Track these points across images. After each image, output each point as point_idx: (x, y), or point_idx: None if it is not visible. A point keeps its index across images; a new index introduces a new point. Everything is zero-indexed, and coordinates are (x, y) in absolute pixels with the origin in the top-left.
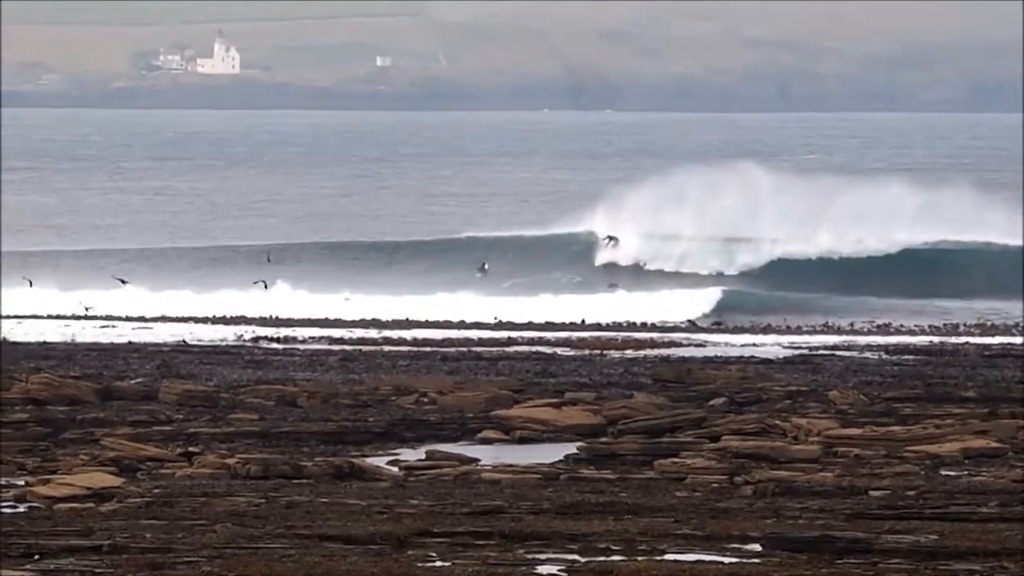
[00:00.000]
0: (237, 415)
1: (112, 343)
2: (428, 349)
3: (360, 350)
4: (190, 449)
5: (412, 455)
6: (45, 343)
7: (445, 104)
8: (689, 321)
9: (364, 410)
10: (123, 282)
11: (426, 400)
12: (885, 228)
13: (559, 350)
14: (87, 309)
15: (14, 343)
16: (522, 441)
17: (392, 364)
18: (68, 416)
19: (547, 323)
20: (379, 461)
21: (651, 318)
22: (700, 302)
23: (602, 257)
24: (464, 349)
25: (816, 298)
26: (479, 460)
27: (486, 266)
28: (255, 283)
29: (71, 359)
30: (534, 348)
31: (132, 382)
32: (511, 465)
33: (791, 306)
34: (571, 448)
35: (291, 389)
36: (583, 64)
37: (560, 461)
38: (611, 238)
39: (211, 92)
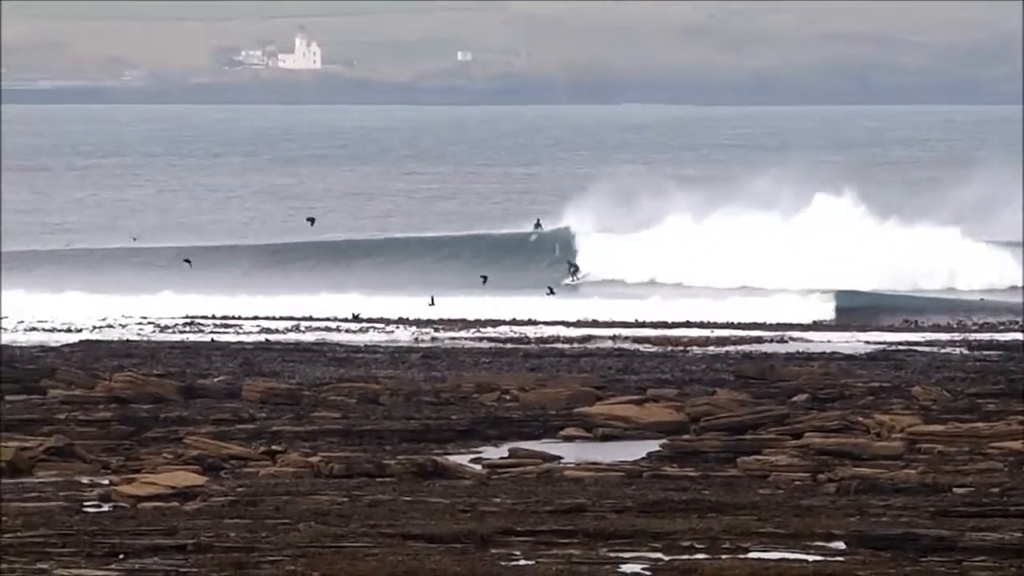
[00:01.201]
0: (320, 413)
1: (195, 341)
2: (510, 346)
3: (442, 347)
4: (273, 447)
5: (495, 453)
6: (128, 341)
7: (525, 99)
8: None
9: (446, 408)
10: (188, 262)
11: (508, 397)
12: None
13: (641, 347)
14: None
15: (97, 341)
16: (604, 438)
17: (474, 361)
18: (151, 414)
19: (636, 321)
20: (462, 459)
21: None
22: (820, 304)
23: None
24: (546, 346)
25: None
26: (562, 458)
27: (540, 223)
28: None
29: (154, 357)
30: (616, 345)
31: (215, 380)
32: (594, 463)
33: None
34: (654, 445)
35: (373, 387)
36: (663, 59)
37: (643, 459)
38: (571, 264)
39: (292, 87)
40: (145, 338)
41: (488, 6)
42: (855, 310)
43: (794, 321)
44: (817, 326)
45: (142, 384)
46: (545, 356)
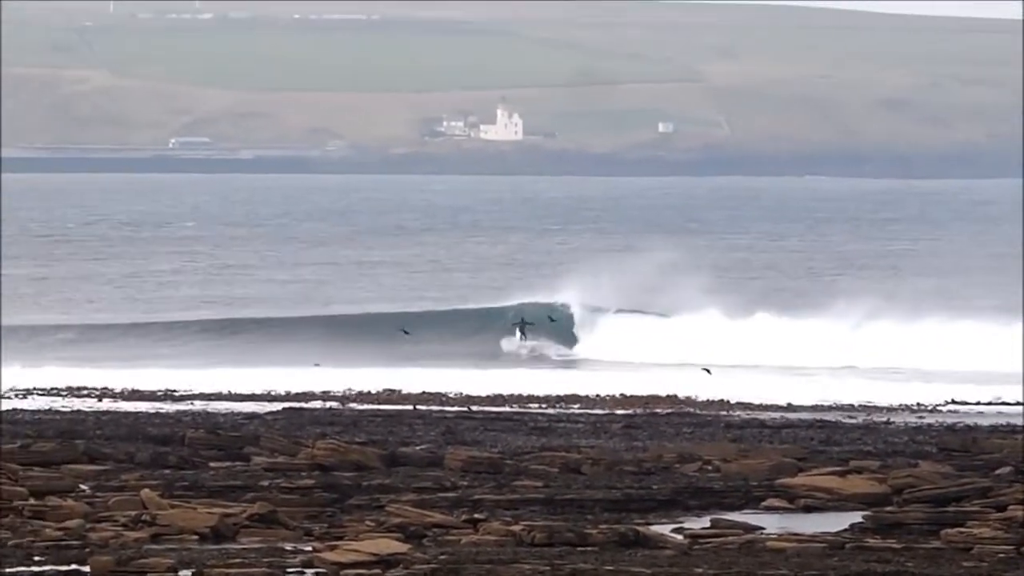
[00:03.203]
0: (522, 482)
1: (397, 410)
2: (710, 416)
3: (644, 417)
4: (475, 516)
5: (696, 523)
6: (331, 409)
7: (726, 169)
8: None
9: (648, 477)
10: (406, 332)
11: (710, 468)
12: None
13: (843, 418)
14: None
15: (300, 409)
16: (807, 509)
17: (676, 431)
18: (354, 482)
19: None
20: (663, 529)
21: None
22: None
23: (510, 344)
24: (747, 416)
25: None
26: (763, 528)
27: (407, 331)
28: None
29: (356, 425)
30: (817, 416)
31: (417, 448)
32: (796, 534)
33: None
34: (856, 517)
35: (575, 456)
36: (865, 131)
37: (845, 530)
38: (524, 322)
39: (494, 158)
40: (348, 406)
41: (689, 76)
42: None
43: None
44: None
45: (345, 452)
46: (746, 427)
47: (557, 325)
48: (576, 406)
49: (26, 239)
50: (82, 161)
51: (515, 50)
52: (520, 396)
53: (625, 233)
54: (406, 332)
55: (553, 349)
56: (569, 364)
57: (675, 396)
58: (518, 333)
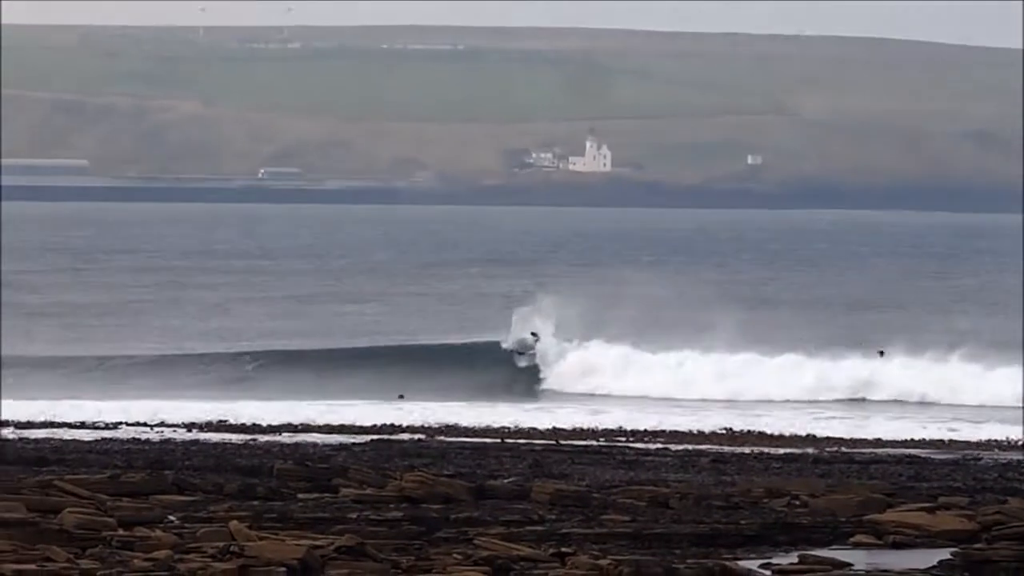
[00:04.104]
0: (609, 516)
1: (485, 442)
2: (799, 451)
3: (733, 452)
4: (562, 549)
5: (784, 559)
6: (419, 441)
7: (815, 202)
8: None
9: (736, 512)
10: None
11: (798, 503)
12: None
13: (932, 454)
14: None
15: (388, 440)
16: (895, 546)
17: (764, 466)
18: (441, 515)
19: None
20: (751, 564)
21: None
22: None
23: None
24: (836, 451)
25: None
26: (851, 565)
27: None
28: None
29: (444, 457)
30: (907, 451)
31: (505, 481)
32: (884, 570)
33: None
34: (944, 554)
35: (663, 490)
36: (954, 164)
37: (933, 567)
38: (534, 335)
39: (582, 190)
40: (436, 439)
41: (778, 108)
42: None
43: None
44: None
45: (433, 484)
46: (835, 462)
47: (625, 359)
48: (663, 440)
49: (108, 268)
50: (171, 191)
51: (604, 81)
52: (608, 430)
53: (710, 265)
54: (535, 335)
55: (619, 384)
56: (656, 400)
57: (763, 432)
58: (529, 339)
